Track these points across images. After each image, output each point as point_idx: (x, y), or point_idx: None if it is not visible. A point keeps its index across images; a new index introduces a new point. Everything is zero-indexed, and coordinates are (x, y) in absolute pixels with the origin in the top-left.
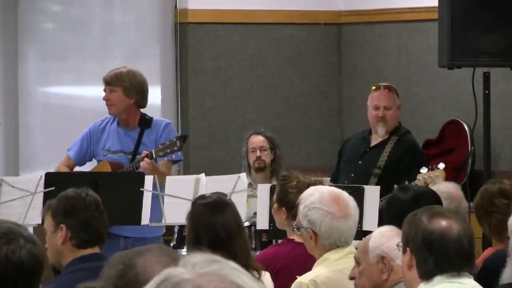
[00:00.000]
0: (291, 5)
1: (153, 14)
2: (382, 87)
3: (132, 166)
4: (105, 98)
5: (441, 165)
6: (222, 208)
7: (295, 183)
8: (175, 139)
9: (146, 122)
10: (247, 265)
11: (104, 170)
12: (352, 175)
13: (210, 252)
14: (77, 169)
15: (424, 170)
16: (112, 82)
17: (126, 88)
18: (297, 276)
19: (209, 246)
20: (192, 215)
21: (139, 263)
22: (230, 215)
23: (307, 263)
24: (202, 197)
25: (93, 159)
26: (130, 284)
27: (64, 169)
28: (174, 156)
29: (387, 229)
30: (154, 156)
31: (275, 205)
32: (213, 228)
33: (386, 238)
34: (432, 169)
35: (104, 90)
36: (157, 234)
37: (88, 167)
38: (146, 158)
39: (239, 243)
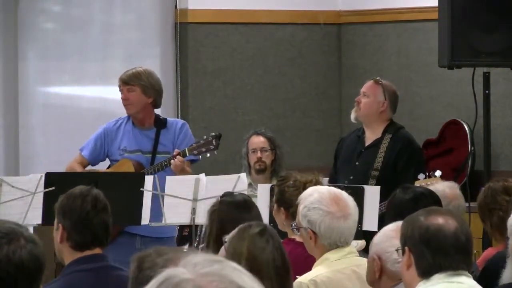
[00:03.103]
0: (291, 5)
1: (153, 14)
2: (373, 78)
3: (161, 164)
4: (123, 98)
5: (438, 173)
6: (250, 207)
7: (291, 182)
8: (210, 138)
9: (161, 122)
10: None
11: (125, 168)
12: (351, 177)
13: None
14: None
15: (421, 176)
16: (130, 81)
17: (145, 87)
18: (297, 276)
19: None
20: (219, 211)
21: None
22: (256, 216)
23: (307, 263)
24: (229, 194)
25: (107, 158)
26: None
27: (78, 167)
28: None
29: (390, 228)
30: (187, 154)
31: (275, 206)
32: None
33: (385, 238)
34: (429, 177)
35: (121, 91)
36: (172, 234)
37: (101, 166)
38: (178, 156)
39: None
